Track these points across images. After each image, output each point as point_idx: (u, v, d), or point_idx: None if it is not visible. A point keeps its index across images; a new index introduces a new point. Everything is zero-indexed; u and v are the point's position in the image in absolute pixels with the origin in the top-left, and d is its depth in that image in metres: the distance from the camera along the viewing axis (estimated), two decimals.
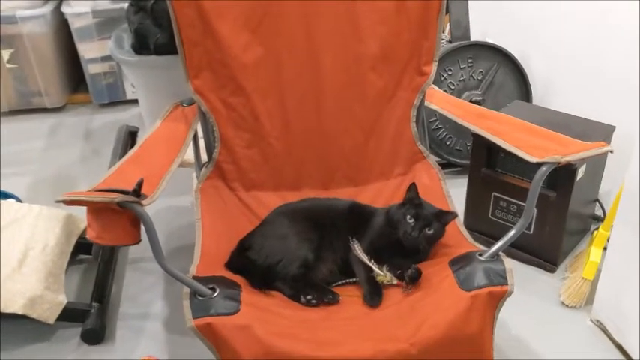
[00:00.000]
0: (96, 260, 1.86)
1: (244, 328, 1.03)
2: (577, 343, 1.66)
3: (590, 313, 1.71)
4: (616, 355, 1.60)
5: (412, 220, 1.24)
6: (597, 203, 2.09)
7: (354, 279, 1.26)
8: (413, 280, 1.19)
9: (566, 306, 1.77)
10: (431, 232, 1.24)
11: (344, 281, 1.27)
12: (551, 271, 1.91)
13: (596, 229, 1.80)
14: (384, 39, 1.44)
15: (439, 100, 1.49)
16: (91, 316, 1.65)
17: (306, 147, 1.51)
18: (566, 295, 1.77)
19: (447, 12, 2.43)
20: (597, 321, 1.69)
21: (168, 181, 1.20)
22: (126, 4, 2.36)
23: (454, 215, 1.30)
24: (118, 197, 0.99)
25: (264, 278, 1.21)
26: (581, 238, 2.05)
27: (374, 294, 1.18)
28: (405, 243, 1.25)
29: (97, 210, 1.03)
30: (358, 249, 1.25)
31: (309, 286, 1.20)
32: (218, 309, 1.05)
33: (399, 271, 1.22)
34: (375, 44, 1.44)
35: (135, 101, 2.88)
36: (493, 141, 1.25)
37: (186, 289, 1.08)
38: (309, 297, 1.17)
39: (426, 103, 1.51)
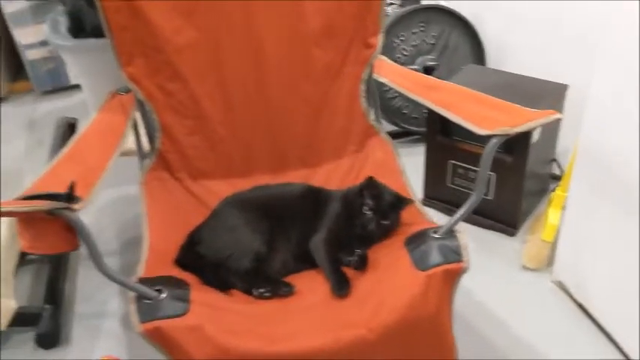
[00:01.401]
0: (46, 260, 1.78)
1: (195, 328, 0.99)
2: (539, 304, 1.67)
3: (551, 274, 1.72)
4: (577, 314, 1.61)
5: (370, 212, 1.21)
6: (555, 163, 2.09)
7: (310, 266, 1.22)
8: (360, 267, 1.17)
9: (528, 269, 1.77)
10: (387, 222, 1.22)
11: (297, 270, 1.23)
12: (512, 234, 1.92)
13: (554, 189, 1.80)
14: (327, 13, 1.39)
15: (388, 72, 1.44)
16: (44, 319, 1.59)
17: (253, 130, 1.45)
18: (527, 258, 1.77)
19: None
20: (558, 282, 1.70)
21: (106, 177, 1.13)
22: None
23: (409, 202, 1.27)
24: (46, 205, 0.92)
25: (215, 273, 1.16)
26: (541, 199, 2.05)
27: (342, 283, 1.14)
28: (361, 233, 1.21)
29: (26, 219, 0.96)
30: None
31: (262, 279, 1.16)
32: (166, 311, 1.00)
33: (354, 256, 1.19)
34: (318, 19, 1.39)
35: (79, 86, 2.76)
36: (442, 114, 1.21)
37: (132, 294, 1.03)
38: (261, 290, 1.13)
39: (375, 75, 1.46)
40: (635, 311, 1.40)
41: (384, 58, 1.48)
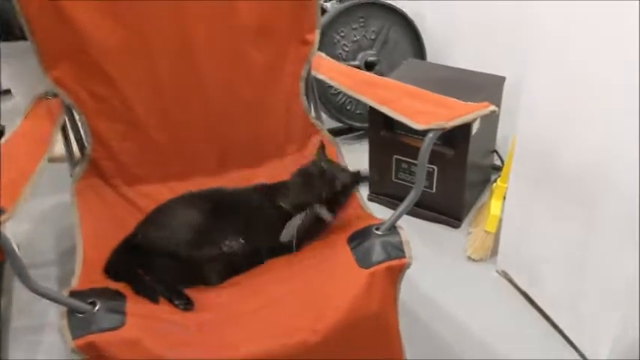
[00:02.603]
0: None
1: (133, 342, 0.95)
2: (485, 294, 1.70)
3: (496, 264, 1.75)
4: (522, 303, 1.65)
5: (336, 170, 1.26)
6: (495, 153, 2.13)
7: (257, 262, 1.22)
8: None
9: (473, 260, 1.80)
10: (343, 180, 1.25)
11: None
12: (456, 227, 1.94)
13: (495, 180, 1.83)
14: (262, 12, 1.36)
15: (326, 70, 1.43)
16: None
17: (191, 132, 1.41)
18: (472, 249, 1.80)
19: None
20: (502, 271, 1.73)
21: (33, 187, 1.07)
22: None
23: (358, 176, 1.31)
24: None
25: (152, 277, 1.12)
26: (484, 189, 2.09)
27: None
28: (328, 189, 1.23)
29: None
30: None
31: (178, 293, 1.11)
32: (100, 325, 0.95)
33: None
34: (253, 18, 1.36)
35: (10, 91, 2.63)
36: (380, 110, 1.20)
37: (63, 308, 0.98)
38: (176, 302, 1.09)
39: (313, 72, 1.44)
40: (576, 298, 1.44)
41: (322, 54, 1.46)
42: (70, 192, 1.30)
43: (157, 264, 1.15)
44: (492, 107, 1.10)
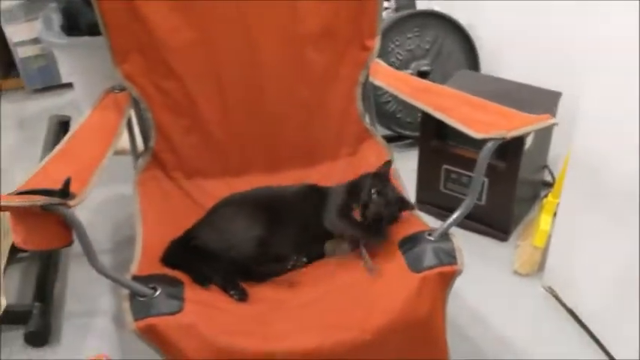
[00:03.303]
0: (36, 258, 1.77)
1: (189, 327, 0.99)
2: (530, 310, 1.68)
3: (542, 280, 1.73)
4: (568, 320, 1.62)
5: (377, 195, 1.20)
6: (547, 169, 2.10)
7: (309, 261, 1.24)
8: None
9: (519, 274, 1.78)
10: (390, 210, 1.21)
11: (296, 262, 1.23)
12: (504, 240, 1.93)
13: (546, 195, 1.81)
14: (323, 16, 1.39)
15: (384, 76, 1.45)
16: (33, 317, 1.58)
17: (249, 130, 1.45)
18: (519, 263, 1.78)
19: None
20: (549, 287, 1.71)
21: (101, 175, 1.12)
22: None
23: (411, 206, 1.27)
24: (40, 200, 0.91)
25: (210, 270, 1.15)
26: (532, 205, 2.07)
27: (377, 230, 1.16)
28: (360, 213, 1.20)
29: (20, 214, 0.95)
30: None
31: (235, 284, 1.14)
32: (160, 309, 1.00)
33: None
34: (315, 22, 1.39)
35: (71, 85, 2.74)
36: (438, 117, 1.21)
37: (126, 291, 1.02)
38: (232, 292, 1.12)
39: (370, 78, 1.46)
40: (623, 317, 1.41)
41: (380, 61, 1.48)
42: (132, 182, 1.35)
43: (216, 263, 1.18)
44: (553, 120, 1.11)
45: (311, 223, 1.26)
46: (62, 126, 2.28)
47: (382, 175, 1.26)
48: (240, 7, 1.35)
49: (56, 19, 2.24)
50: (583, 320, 1.59)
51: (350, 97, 1.47)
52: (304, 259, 1.23)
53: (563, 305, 1.66)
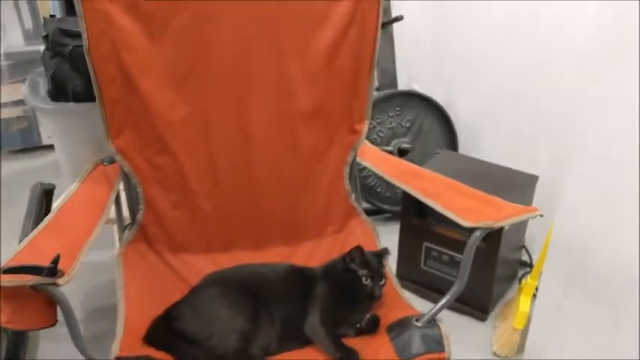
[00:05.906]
0: (4, 331, 1.69)
1: None
2: None
3: None
4: None
5: (368, 281, 1.22)
6: (524, 249, 2.14)
7: (292, 348, 1.20)
8: (373, 329, 1.20)
9: (498, 356, 1.78)
10: (382, 282, 1.24)
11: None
12: (483, 319, 1.93)
13: (524, 275, 1.84)
14: (316, 97, 1.42)
15: (372, 158, 1.48)
16: None
17: (236, 206, 1.45)
18: (498, 345, 1.79)
19: None
20: None
21: (88, 250, 1.11)
22: (41, 47, 2.24)
23: (386, 251, 1.32)
24: (31, 280, 0.90)
25: (191, 355, 1.13)
26: (511, 284, 2.09)
27: (351, 354, 1.11)
28: (368, 303, 1.23)
29: (8, 293, 0.93)
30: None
31: None
32: None
33: (357, 326, 1.21)
34: (307, 102, 1.42)
35: (51, 147, 2.72)
36: (427, 203, 1.24)
37: None
38: None
39: (358, 159, 1.49)
40: None
41: (367, 142, 1.52)
42: (115, 254, 1.33)
43: (196, 349, 1.14)
44: (539, 212, 1.14)
45: (293, 313, 1.22)
46: (45, 194, 2.24)
47: (358, 252, 1.25)
48: (235, 83, 1.37)
49: (42, 84, 2.25)
50: None
51: (337, 176, 1.50)
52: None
53: None
